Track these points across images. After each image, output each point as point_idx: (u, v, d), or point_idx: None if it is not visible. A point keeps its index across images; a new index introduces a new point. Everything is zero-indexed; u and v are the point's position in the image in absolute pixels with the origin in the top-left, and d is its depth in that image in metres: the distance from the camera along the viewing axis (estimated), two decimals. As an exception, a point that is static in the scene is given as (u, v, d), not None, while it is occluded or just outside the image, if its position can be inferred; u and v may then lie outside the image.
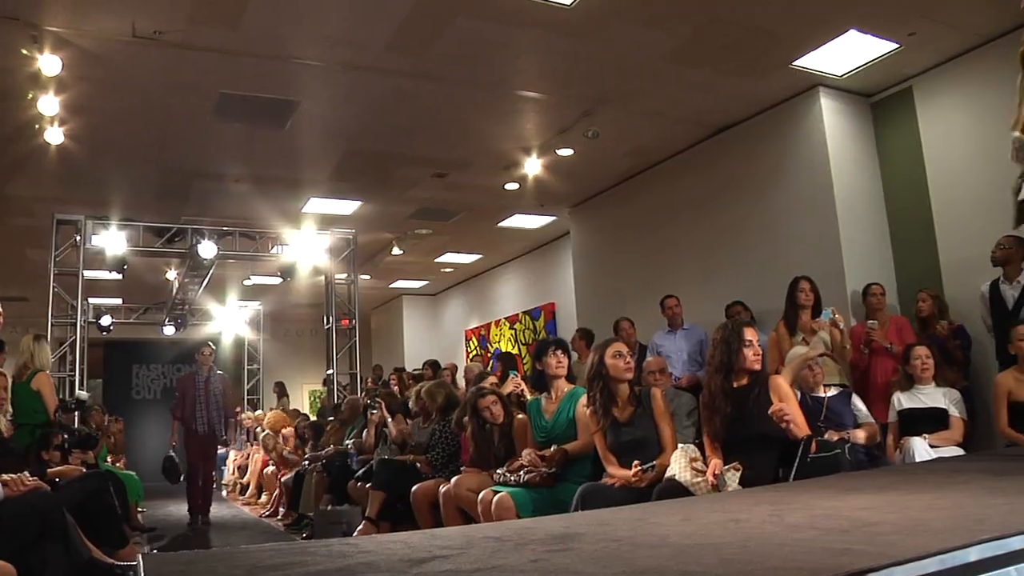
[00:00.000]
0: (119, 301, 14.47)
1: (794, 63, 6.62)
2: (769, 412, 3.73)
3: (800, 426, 3.78)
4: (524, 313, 13.36)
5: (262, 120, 7.27)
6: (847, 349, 5.94)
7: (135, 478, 8.10)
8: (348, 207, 10.18)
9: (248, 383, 15.55)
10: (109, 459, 8.99)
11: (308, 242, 10.36)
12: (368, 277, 13.25)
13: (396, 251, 11.87)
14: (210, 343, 9.50)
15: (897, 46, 6.37)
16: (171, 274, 12.35)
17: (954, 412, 4.88)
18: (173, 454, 9.29)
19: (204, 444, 8.93)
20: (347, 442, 8.07)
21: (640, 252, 9.19)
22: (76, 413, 8.35)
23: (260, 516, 9.46)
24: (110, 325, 13.56)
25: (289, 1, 5.42)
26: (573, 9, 5.56)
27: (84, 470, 5.77)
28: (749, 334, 3.98)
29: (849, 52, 6.46)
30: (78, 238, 9.16)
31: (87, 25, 5.51)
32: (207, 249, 9.45)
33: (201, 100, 6.77)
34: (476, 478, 4.88)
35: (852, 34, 6.16)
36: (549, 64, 6.60)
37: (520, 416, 5.06)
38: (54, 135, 6.77)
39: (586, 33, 5.96)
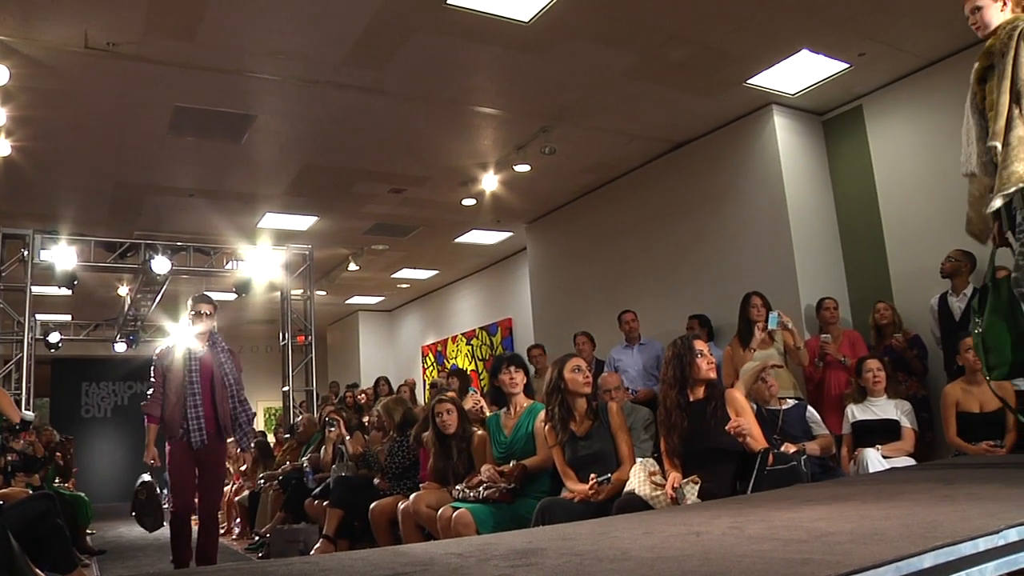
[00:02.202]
0: (68, 317, 14.16)
1: (748, 81, 6.73)
2: (727, 428, 3.77)
3: (757, 439, 3.82)
4: (481, 329, 13.34)
5: (218, 134, 7.19)
6: (801, 350, 6.05)
7: (85, 499, 7.91)
8: (304, 222, 10.09)
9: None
10: (57, 480, 8.77)
11: (264, 258, 10.26)
12: (324, 293, 13.15)
13: (352, 267, 11.79)
14: (207, 295, 5.81)
15: (847, 66, 6.52)
16: (123, 290, 12.12)
17: (905, 423, 4.97)
18: (149, 479, 6.16)
19: (203, 463, 5.32)
20: (303, 459, 7.97)
21: (597, 267, 9.24)
22: (22, 434, 8.12)
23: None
24: (59, 342, 13.25)
25: (246, 15, 5.37)
26: (530, 26, 5.60)
27: (30, 492, 5.63)
28: (699, 345, 4.05)
29: (801, 71, 6.60)
30: (25, 253, 8.95)
31: (37, 35, 5.40)
32: (160, 264, 9.30)
33: (155, 113, 6.67)
34: (435, 495, 4.85)
35: (804, 54, 6.29)
36: (506, 80, 6.63)
37: (480, 432, 5.05)
38: (1, 147, 6.63)
39: (543, 50, 6.00)
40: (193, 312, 5.47)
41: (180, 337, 5.64)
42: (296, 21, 5.50)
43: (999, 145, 2.95)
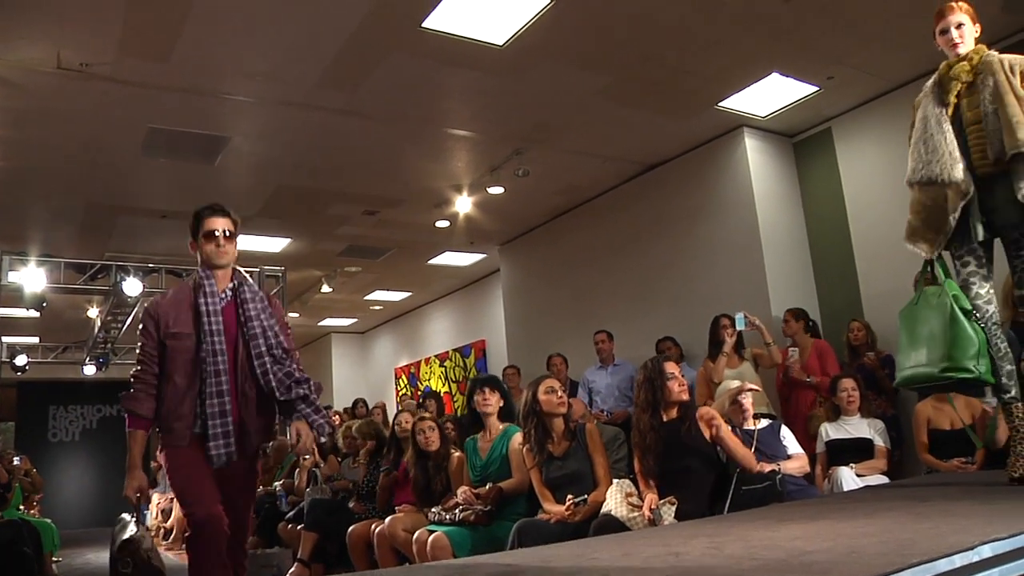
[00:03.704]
0: (36, 339, 13.93)
1: (719, 104, 6.82)
2: (699, 415, 3.88)
3: (739, 453, 3.89)
4: (454, 351, 13.31)
5: (191, 155, 7.15)
6: (772, 347, 6.17)
7: (51, 526, 7.76)
8: (277, 244, 10.04)
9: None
10: (22, 507, 8.60)
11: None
12: (297, 315, 13.06)
13: (325, 288, 11.73)
14: (223, 206, 3.53)
15: (816, 89, 6.63)
16: (93, 312, 11.95)
17: (879, 442, 5.02)
18: (133, 531, 4.07)
19: (225, 489, 3.26)
20: (276, 484, 7.89)
21: (571, 289, 9.27)
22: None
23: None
24: (25, 365, 13.02)
25: (220, 36, 5.37)
26: (504, 49, 5.65)
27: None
28: (671, 368, 4.09)
29: (771, 94, 6.70)
30: (-8, 274, 8.78)
31: (8, 54, 5.33)
32: (132, 287, 9.17)
33: (128, 134, 6.62)
34: (411, 517, 4.83)
35: (774, 77, 6.40)
36: (481, 103, 6.67)
37: (457, 454, 5.04)
38: (-30, 168, 6.55)
39: (517, 73, 6.04)
40: (204, 234, 3.38)
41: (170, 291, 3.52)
42: (271, 43, 5.50)
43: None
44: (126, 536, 3.57)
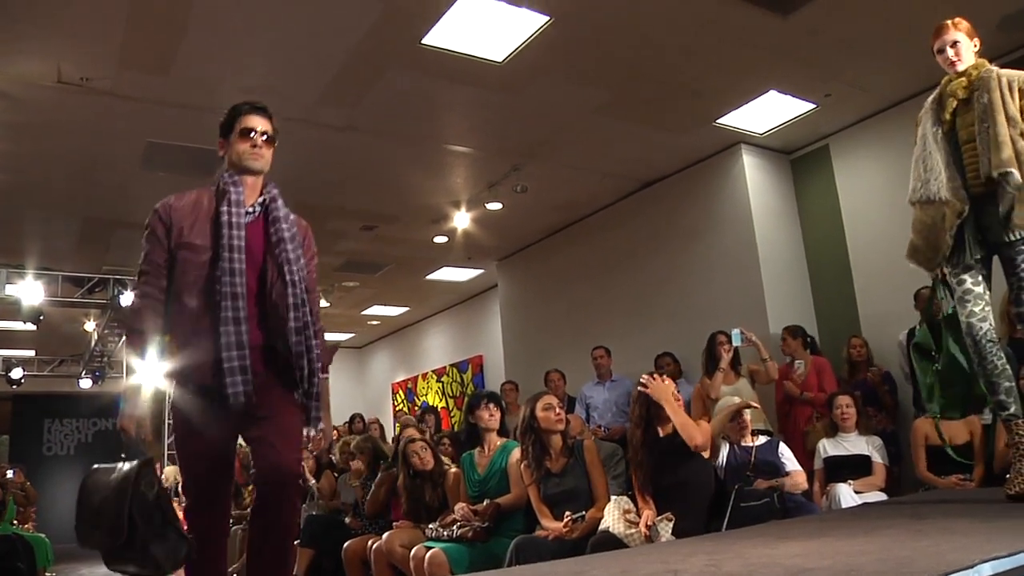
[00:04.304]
0: (32, 352, 13.91)
1: (717, 121, 6.85)
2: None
3: (680, 421, 3.88)
4: (452, 366, 13.30)
5: (190, 169, 7.13)
6: (768, 363, 6.15)
7: (44, 540, 7.72)
8: (275, 258, 10.02)
9: (169, 438, 15.02)
10: (16, 521, 8.55)
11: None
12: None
13: (323, 303, 11.72)
14: (261, 104, 2.99)
15: (814, 106, 6.66)
16: (90, 325, 11.95)
17: (877, 458, 5.01)
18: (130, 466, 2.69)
19: (256, 437, 2.75)
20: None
21: (569, 304, 9.26)
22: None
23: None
24: (21, 378, 13.01)
25: (220, 52, 5.39)
26: (503, 66, 5.67)
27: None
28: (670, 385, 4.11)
29: (769, 111, 6.73)
30: (-10, 287, 8.77)
31: (8, 68, 5.35)
32: (129, 300, 9.19)
33: (128, 148, 6.63)
34: (408, 533, 4.81)
35: (772, 94, 6.43)
36: (479, 119, 6.69)
37: (454, 470, 5.02)
38: (-32, 181, 6.56)
39: (516, 89, 6.07)
40: (239, 131, 2.89)
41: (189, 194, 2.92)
42: (270, 59, 5.53)
43: (1015, 172, 3.05)
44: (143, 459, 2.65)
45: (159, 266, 2.74)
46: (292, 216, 2.96)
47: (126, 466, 2.59)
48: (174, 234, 2.74)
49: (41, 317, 9.43)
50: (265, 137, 2.89)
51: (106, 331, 11.30)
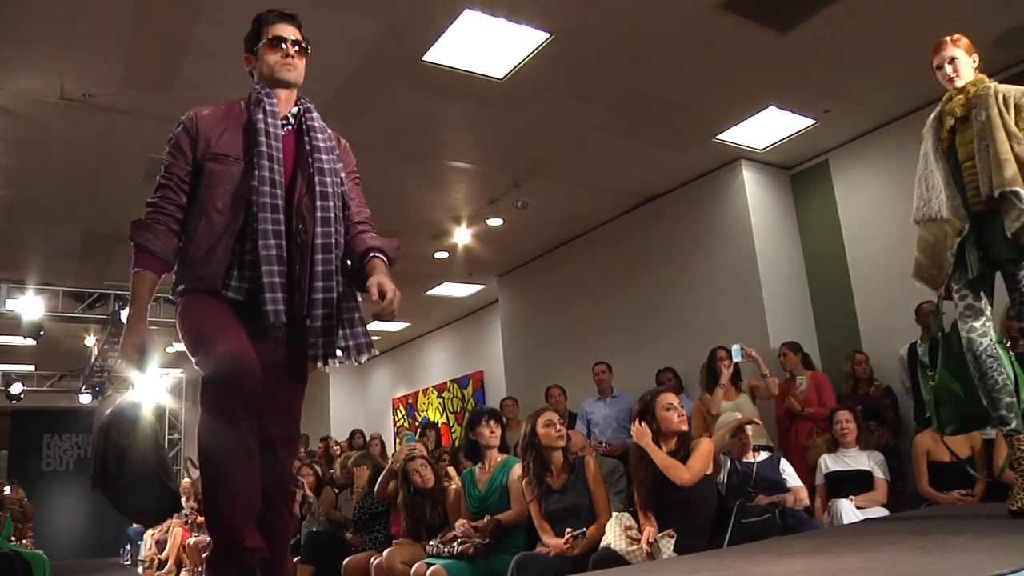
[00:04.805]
0: (32, 367, 13.90)
1: (717, 137, 6.88)
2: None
3: (664, 464, 3.88)
4: (452, 381, 13.27)
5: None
6: (768, 379, 6.14)
7: (42, 557, 7.68)
8: (276, 274, 10.02)
9: (170, 453, 15.03)
10: (13, 538, 8.53)
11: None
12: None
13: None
14: (299, 18, 2.78)
15: (813, 122, 6.70)
16: (90, 340, 11.95)
17: (878, 474, 5.00)
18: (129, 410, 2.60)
19: (275, 373, 2.46)
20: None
21: (570, 320, 9.26)
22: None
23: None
24: (21, 393, 12.99)
25: (221, 69, 5.38)
26: (504, 83, 5.70)
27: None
28: (670, 398, 4.09)
29: (769, 127, 6.76)
30: (-9, 302, 8.77)
31: (11, 84, 5.39)
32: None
33: (130, 164, 6.64)
34: (409, 550, 4.80)
35: (771, 110, 6.46)
36: (480, 135, 6.71)
37: (454, 487, 5.01)
38: (-31, 196, 6.58)
39: (516, 106, 6.09)
40: (268, 41, 2.67)
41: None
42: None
43: (1022, 190, 3.06)
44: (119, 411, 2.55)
45: (180, 180, 2.51)
46: (329, 130, 2.75)
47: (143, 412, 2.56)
48: (201, 146, 2.51)
49: (41, 332, 9.43)
50: (297, 48, 2.68)
51: (106, 346, 11.29)
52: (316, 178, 2.54)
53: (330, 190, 2.57)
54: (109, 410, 2.55)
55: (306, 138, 2.61)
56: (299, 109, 2.68)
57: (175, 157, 2.53)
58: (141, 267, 2.47)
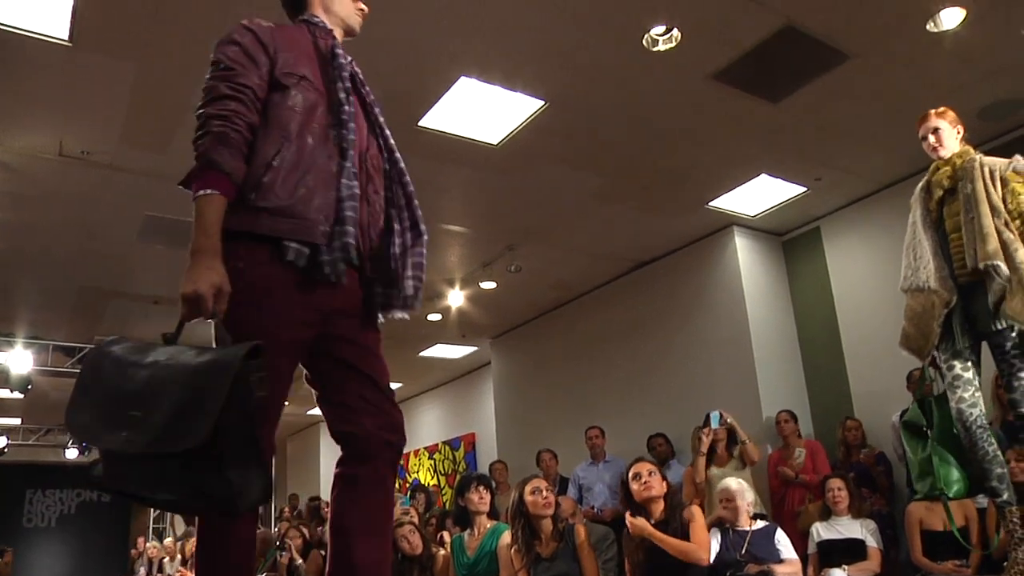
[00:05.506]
0: (18, 421, 13.73)
1: (709, 204, 6.95)
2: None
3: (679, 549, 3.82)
4: (444, 443, 13.15)
5: (187, 243, 7.14)
6: (748, 444, 6.11)
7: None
8: (269, 332, 10.00)
9: (155, 511, 14.74)
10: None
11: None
12: (285, 403, 12.93)
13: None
14: None
15: (805, 189, 6.78)
16: (78, 395, 11.83)
17: (871, 542, 4.96)
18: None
19: (349, 356, 2.14)
20: (258, 576, 7.69)
21: (562, 383, 9.23)
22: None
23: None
24: (5, 447, 12.82)
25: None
26: (499, 149, 5.77)
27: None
28: (637, 468, 4.11)
29: (761, 194, 6.84)
30: (-21, 356, 8.70)
31: (12, 141, 5.43)
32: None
33: (125, 220, 6.67)
34: (395, 617, 4.70)
35: (763, 178, 6.54)
36: (475, 200, 6.77)
37: (442, 552, 4.94)
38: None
39: (511, 171, 6.16)
40: None
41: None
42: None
43: (1003, 264, 3.08)
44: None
45: (255, 96, 1.98)
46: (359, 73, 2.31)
47: (214, 349, 1.77)
48: (280, 63, 2.04)
49: (29, 386, 9.35)
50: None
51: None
52: (379, 130, 2.23)
53: (393, 143, 2.25)
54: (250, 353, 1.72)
55: (365, 89, 2.24)
56: (351, 60, 2.25)
57: (244, 66, 1.99)
58: (214, 189, 1.89)
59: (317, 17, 2.24)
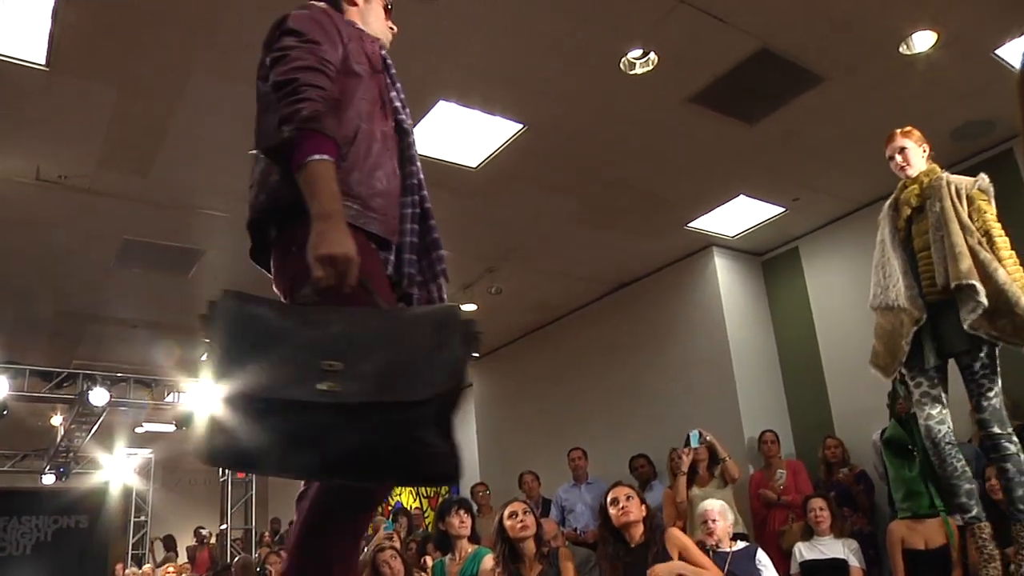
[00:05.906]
0: (-8, 447, 13.54)
1: (689, 225, 6.99)
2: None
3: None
4: (427, 464, 13.04)
5: (165, 267, 7.15)
6: (728, 461, 6.13)
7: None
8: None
9: (134, 536, 14.54)
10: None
11: (207, 391, 10.00)
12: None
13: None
14: None
15: (783, 210, 6.84)
16: (57, 419, 11.67)
17: (854, 562, 4.97)
18: None
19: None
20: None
21: (543, 405, 9.21)
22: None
23: None
24: (-20, 474, 12.63)
25: (199, 154, 5.45)
26: (478, 172, 5.80)
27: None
28: (614, 493, 4.12)
29: (740, 215, 6.89)
30: (-49, 381, 8.57)
31: (-12, 165, 5.42)
32: (99, 396, 9.01)
33: (103, 245, 6.63)
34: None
35: (741, 199, 6.60)
36: (454, 223, 6.70)
37: (423, 576, 4.90)
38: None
39: (490, 195, 6.18)
40: (385, 5, 2.31)
41: None
42: (249, 161, 5.59)
43: (978, 283, 3.10)
44: None
45: (334, 70, 1.87)
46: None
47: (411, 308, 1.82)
48: (352, 48, 1.96)
49: (5, 412, 9.22)
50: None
51: (73, 426, 11.04)
52: (406, 136, 2.12)
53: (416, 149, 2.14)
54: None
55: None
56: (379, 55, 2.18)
57: (324, 42, 1.87)
58: (326, 154, 1.74)
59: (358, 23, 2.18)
